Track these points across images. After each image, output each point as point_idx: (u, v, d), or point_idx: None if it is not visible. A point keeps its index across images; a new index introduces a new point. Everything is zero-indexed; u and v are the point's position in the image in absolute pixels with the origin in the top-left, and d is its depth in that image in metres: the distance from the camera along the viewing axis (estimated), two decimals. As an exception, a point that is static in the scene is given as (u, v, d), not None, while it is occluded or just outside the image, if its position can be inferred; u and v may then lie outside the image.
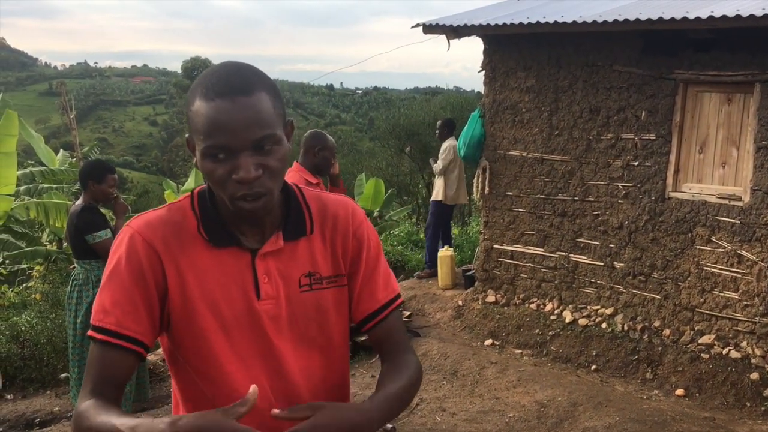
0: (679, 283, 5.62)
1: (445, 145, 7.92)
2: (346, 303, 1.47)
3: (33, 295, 7.46)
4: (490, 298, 6.80)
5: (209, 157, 1.25)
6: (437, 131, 8.25)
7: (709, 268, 5.45)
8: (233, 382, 1.36)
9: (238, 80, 1.25)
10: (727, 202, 5.34)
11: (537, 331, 6.24)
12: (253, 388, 1.14)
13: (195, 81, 1.30)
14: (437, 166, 7.94)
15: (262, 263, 1.36)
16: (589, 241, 6.17)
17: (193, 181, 11.07)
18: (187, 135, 1.34)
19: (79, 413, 1.28)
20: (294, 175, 4.14)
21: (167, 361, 1.42)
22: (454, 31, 6.47)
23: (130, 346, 1.30)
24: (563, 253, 6.35)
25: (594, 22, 5.42)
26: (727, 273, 5.35)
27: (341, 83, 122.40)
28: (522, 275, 6.67)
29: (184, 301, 1.32)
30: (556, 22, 5.64)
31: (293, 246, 1.40)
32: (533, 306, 6.50)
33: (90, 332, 1.32)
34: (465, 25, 6.33)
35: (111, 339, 1.29)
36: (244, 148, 1.23)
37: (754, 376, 5.02)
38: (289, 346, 1.39)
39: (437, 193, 8.03)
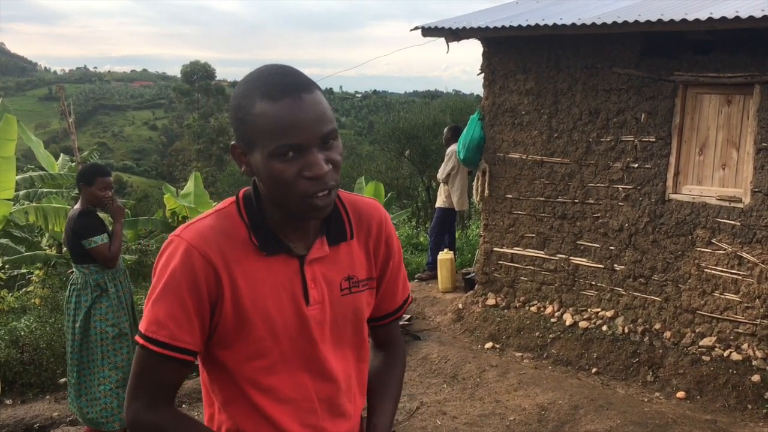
0: (680, 286, 5.61)
1: (448, 151, 7.85)
2: (372, 304, 1.53)
3: (32, 300, 7.43)
4: (491, 301, 6.78)
5: (278, 156, 1.24)
6: (443, 138, 8.20)
7: (709, 270, 5.44)
8: (279, 386, 1.39)
9: (298, 79, 1.26)
10: (727, 204, 5.33)
11: (537, 334, 6.22)
12: None
13: (244, 85, 1.28)
14: (439, 173, 7.94)
15: (309, 269, 1.39)
16: (590, 244, 6.16)
17: (192, 186, 11.01)
18: (233, 142, 1.33)
19: (156, 426, 1.34)
20: None
21: (202, 364, 1.43)
22: (453, 34, 6.47)
23: (182, 357, 1.33)
24: (563, 256, 6.34)
25: (593, 24, 5.41)
26: (728, 275, 5.33)
27: (341, 87, 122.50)
28: (522, 278, 6.66)
29: (236, 310, 1.34)
30: (555, 24, 5.64)
31: (335, 250, 1.43)
32: (533, 309, 6.49)
33: (141, 341, 1.33)
34: (464, 27, 6.33)
35: (165, 351, 1.32)
36: (313, 145, 1.25)
37: (756, 378, 5.00)
38: (330, 349, 1.43)
39: (442, 201, 7.99)
